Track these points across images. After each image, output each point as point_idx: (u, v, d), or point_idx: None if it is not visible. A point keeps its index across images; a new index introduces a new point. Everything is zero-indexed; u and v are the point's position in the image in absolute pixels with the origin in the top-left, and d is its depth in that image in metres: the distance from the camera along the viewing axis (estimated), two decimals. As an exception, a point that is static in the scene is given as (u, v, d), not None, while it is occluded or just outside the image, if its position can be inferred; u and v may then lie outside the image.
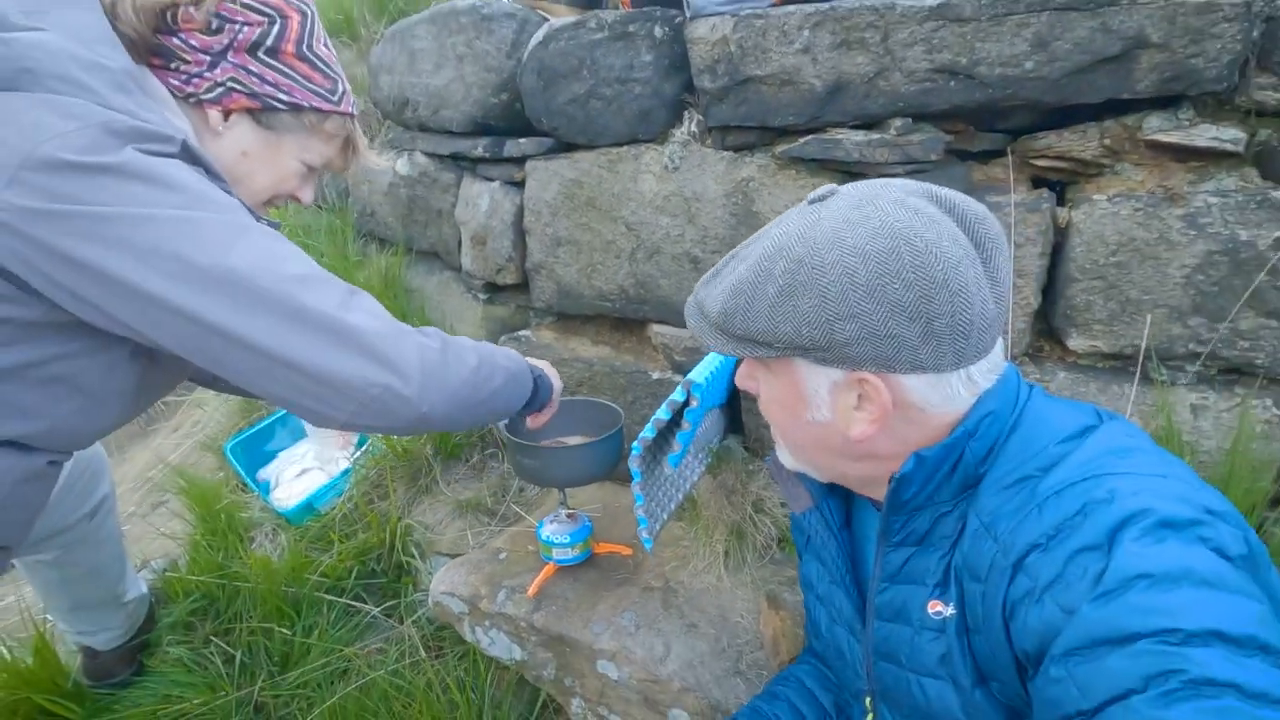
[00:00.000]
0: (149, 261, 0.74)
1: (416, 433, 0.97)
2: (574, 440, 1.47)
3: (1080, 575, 0.53)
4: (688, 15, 1.38)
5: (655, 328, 1.67)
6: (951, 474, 0.67)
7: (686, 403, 1.14)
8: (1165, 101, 1.16)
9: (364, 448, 1.99)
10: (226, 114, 0.92)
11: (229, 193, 0.88)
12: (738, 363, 0.79)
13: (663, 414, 1.15)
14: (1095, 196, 1.20)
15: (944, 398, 0.66)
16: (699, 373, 1.16)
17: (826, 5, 1.26)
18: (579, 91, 1.57)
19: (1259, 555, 0.54)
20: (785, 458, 0.81)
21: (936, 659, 0.70)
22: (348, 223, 2.49)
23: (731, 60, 1.35)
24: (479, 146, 1.88)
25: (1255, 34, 1.08)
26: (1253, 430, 1.17)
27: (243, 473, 1.97)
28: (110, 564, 1.48)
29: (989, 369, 0.68)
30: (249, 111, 0.93)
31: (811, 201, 0.69)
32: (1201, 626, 0.47)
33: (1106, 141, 1.20)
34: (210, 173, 0.85)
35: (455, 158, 2.02)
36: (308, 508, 1.86)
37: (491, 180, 1.90)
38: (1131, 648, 0.49)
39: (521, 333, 1.93)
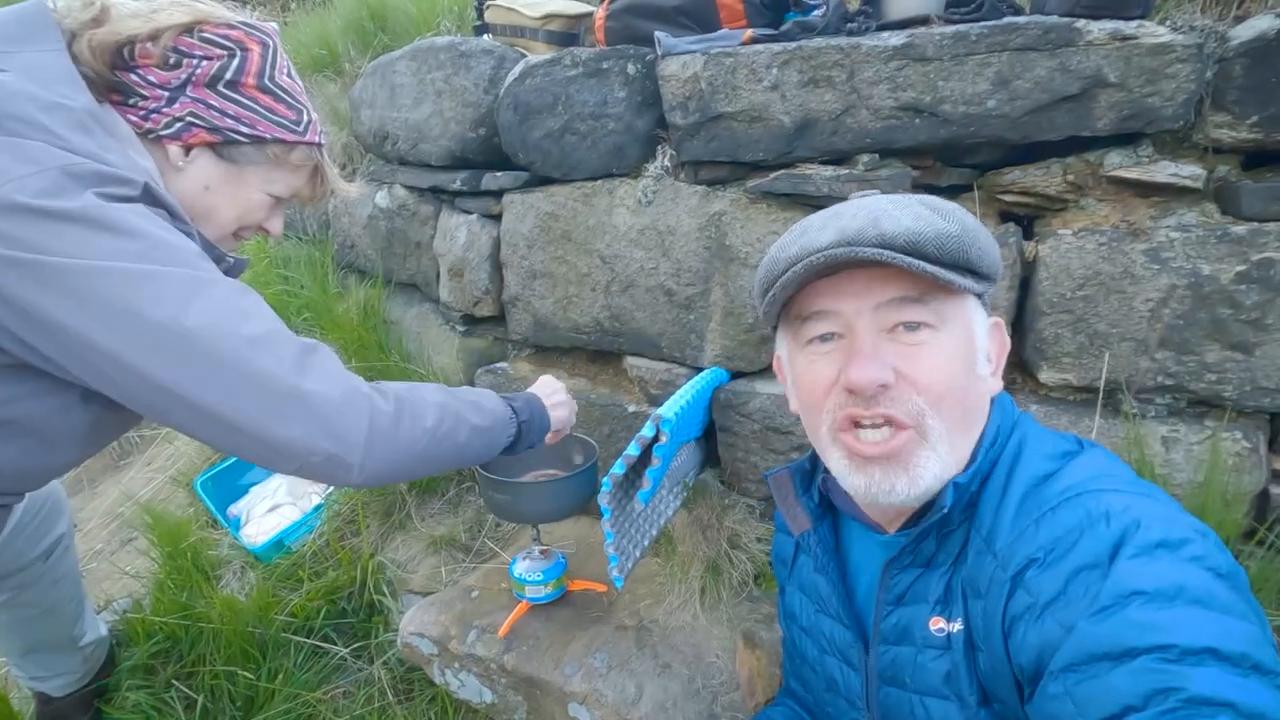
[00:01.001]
0: (101, 316, 0.72)
1: (362, 489, 0.96)
2: (548, 474, 1.45)
3: (1082, 593, 0.54)
4: (659, 53, 1.40)
5: (630, 360, 1.66)
6: (962, 496, 0.68)
7: (656, 438, 1.13)
8: (1126, 138, 1.18)
9: (337, 482, 1.95)
10: (187, 149, 0.92)
11: (192, 235, 0.88)
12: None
13: (632, 450, 1.14)
14: (1061, 231, 1.21)
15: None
16: (668, 408, 1.15)
17: (794, 44, 1.28)
18: (554, 126, 1.58)
19: (1242, 575, 0.55)
20: (928, 468, 0.66)
21: (941, 677, 0.69)
22: (327, 255, 2.48)
23: (702, 97, 1.36)
24: (457, 180, 1.89)
25: (1209, 74, 1.10)
26: (1224, 462, 1.17)
27: (213, 508, 1.92)
28: (66, 606, 1.43)
29: None
30: (210, 146, 0.93)
31: (858, 196, 0.74)
32: (1197, 644, 0.48)
33: (1070, 177, 1.21)
34: (174, 215, 0.84)
35: (434, 191, 2.02)
36: (278, 545, 1.82)
37: (469, 213, 1.91)
38: (1130, 664, 0.49)
39: (499, 365, 1.91)
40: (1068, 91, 1.13)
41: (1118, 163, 1.16)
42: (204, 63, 0.89)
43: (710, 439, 1.56)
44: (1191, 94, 1.09)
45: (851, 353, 0.66)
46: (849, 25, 1.32)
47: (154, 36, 0.87)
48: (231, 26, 0.92)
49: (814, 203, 1.35)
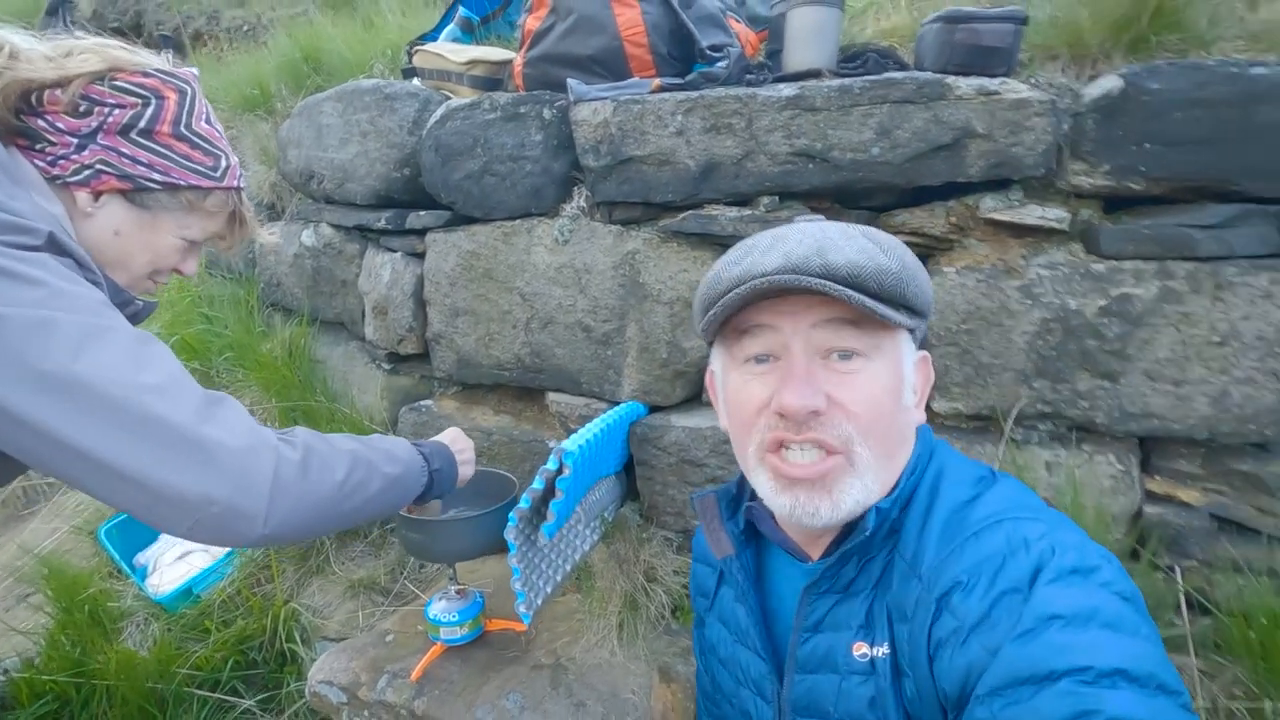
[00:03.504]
0: None
1: (267, 547, 0.91)
2: (466, 513, 1.44)
3: (1005, 616, 0.57)
4: (571, 99, 1.45)
5: (552, 396, 1.68)
6: (883, 522, 0.69)
7: (559, 471, 1.14)
8: (1000, 184, 1.27)
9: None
10: (96, 195, 0.90)
11: (99, 283, 0.86)
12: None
13: (536, 484, 1.15)
14: (946, 269, 1.29)
15: None
16: (572, 441, 1.16)
17: (696, 93, 1.35)
18: (474, 168, 1.61)
19: (1140, 597, 0.59)
20: (851, 492, 0.68)
21: (866, 703, 0.69)
22: (253, 294, 2.44)
23: (613, 141, 1.42)
24: (382, 218, 1.90)
25: (1065, 127, 1.21)
26: (1101, 485, 1.25)
27: (116, 557, 1.83)
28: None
29: None
30: (121, 192, 0.92)
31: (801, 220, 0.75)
32: (1110, 665, 0.51)
33: (952, 219, 1.30)
34: (80, 264, 0.82)
35: (360, 229, 2.03)
36: (186, 593, 1.74)
37: (394, 251, 1.91)
38: (1052, 688, 0.52)
39: (423, 403, 1.90)
40: (942, 141, 1.22)
41: (991, 206, 1.25)
42: (116, 111, 0.88)
43: (630, 474, 1.58)
44: (1050, 144, 1.19)
45: (785, 376, 0.67)
46: (748, 77, 1.40)
47: (63, 84, 0.86)
48: (146, 74, 0.91)
49: (721, 241, 1.40)
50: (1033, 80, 1.25)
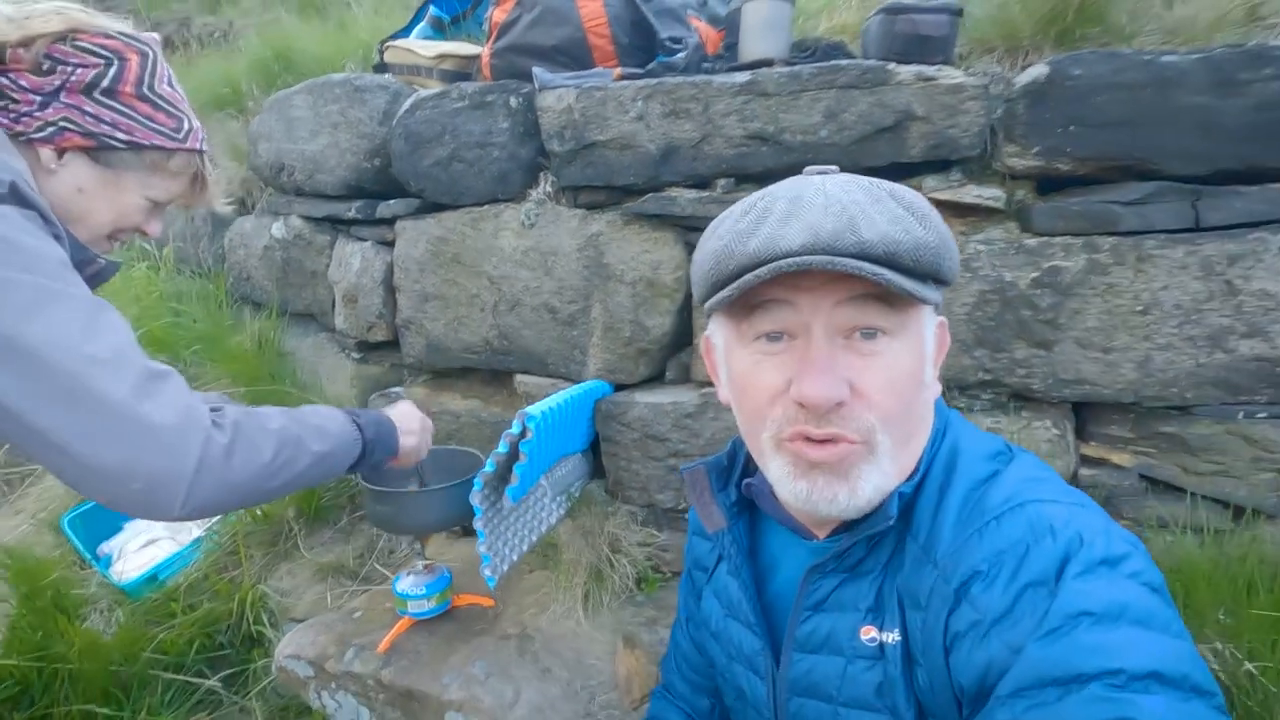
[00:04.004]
0: None
1: (190, 520, 0.94)
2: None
3: (1029, 612, 0.53)
4: (536, 87, 1.50)
5: (520, 378, 1.72)
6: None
7: (523, 434, 1.18)
8: (941, 165, 1.35)
9: (220, 515, 1.89)
10: (60, 152, 0.93)
11: (61, 238, 0.88)
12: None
13: (501, 448, 1.19)
14: (892, 246, 1.36)
15: None
16: (536, 406, 1.20)
17: (656, 80, 1.42)
18: (442, 155, 1.66)
19: (1165, 585, 0.56)
20: (869, 480, 0.63)
21: (873, 689, 0.66)
22: (221, 288, 2.44)
23: (576, 127, 1.48)
24: (352, 208, 1.93)
25: (999, 112, 1.29)
26: (1039, 450, 1.32)
27: (79, 546, 1.82)
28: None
29: None
30: (85, 150, 0.94)
31: (813, 171, 0.66)
32: (1143, 668, 0.49)
33: (898, 199, 1.37)
34: (44, 217, 0.84)
35: (330, 220, 2.05)
36: (151, 580, 1.74)
37: (364, 240, 1.94)
38: (1080, 692, 0.49)
39: (393, 389, 1.93)
40: (885, 123, 1.29)
41: (933, 186, 1.33)
42: (79, 70, 0.91)
43: (597, 453, 1.62)
44: (983, 126, 1.27)
45: (805, 362, 0.60)
46: (705, 65, 1.47)
47: (26, 43, 0.88)
48: (109, 36, 0.94)
49: (681, 222, 1.46)
50: (969, 69, 1.34)
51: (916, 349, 0.63)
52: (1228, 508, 1.28)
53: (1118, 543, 0.55)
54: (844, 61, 1.32)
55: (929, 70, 1.27)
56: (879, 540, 0.66)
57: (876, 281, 0.56)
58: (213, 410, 0.90)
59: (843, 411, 0.60)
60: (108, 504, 0.81)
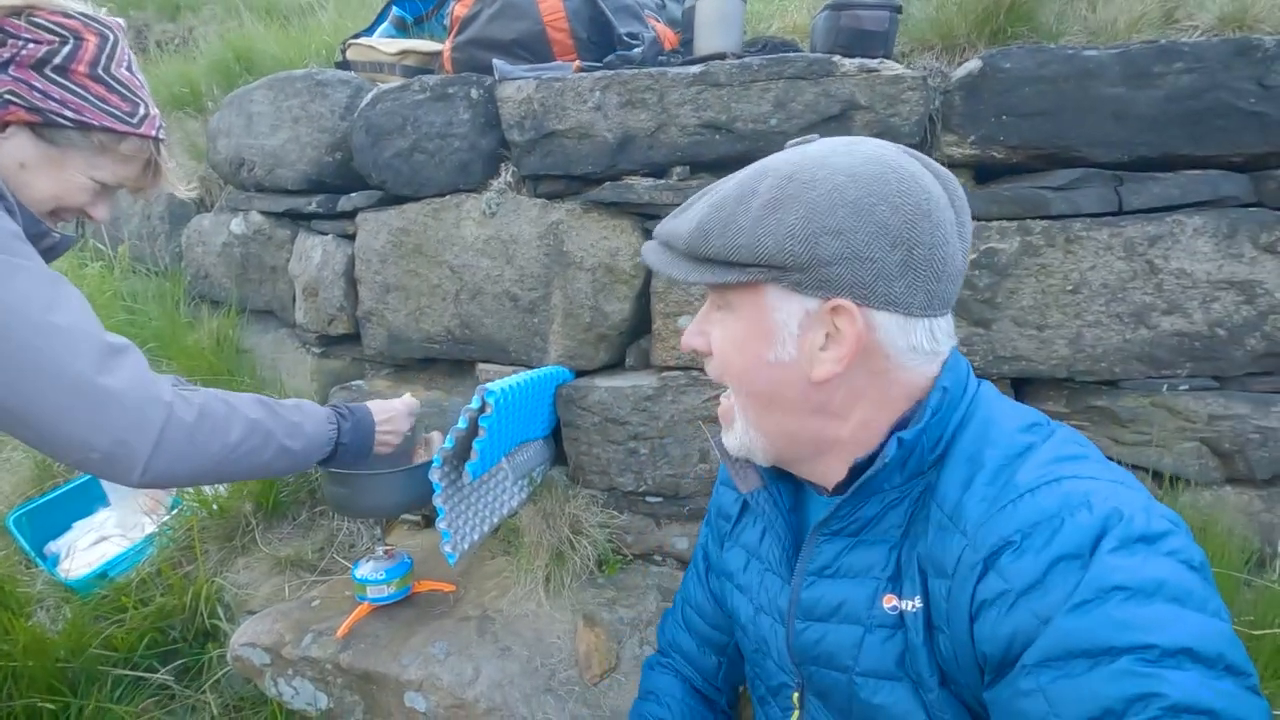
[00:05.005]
0: None
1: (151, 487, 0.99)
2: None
3: (1060, 583, 0.53)
4: (496, 78, 1.54)
5: (482, 367, 1.73)
6: (907, 458, 0.64)
7: (482, 409, 1.20)
8: (885, 155, 1.42)
9: (176, 509, 1.85)
10: (3, 125, 0.93)
11: (13, 211, 0.88)
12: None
13: (461, 424, 1.20)
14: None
15: (909, 347, 0.64)
16: (496, 384, 1.22)
17: (612, 72, 1.46)
18: (404, 146, 1.68)
19: (1208, 565, 0.56)
20: (732, 434, 0.74)
21: (894, 658, 0.65)
22: (179, 287, 2.41)
23: (536, 117, 1.51)
24: (313, 202, 1.93)
25: (937, 103, 1.36)
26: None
27: (24, 545, 1.77)
28: None
29: (948, 331, 0.67)
30: (29, 125, 0.94)
31: (795, 144, 0.69)
32: (1175, 644, 0.48)
33: (845, 187, 1.43)
34: None
35: (290, 214, 2.05)
36: (101, 577, 1.69)
37: (325, 234, 1.95)
38: (1110, 666, 0.49)
39: (355, 383, 1.92)
40: (831, 112, 1.35)
41: (877, 173, 1.39)
42: (31, 45, 0.91)
43: (559, 440, 1.64)
44: (922, 115, 1.34)
45: None
46: (661, 59, 1.52)
47: None
48: (68, 16, 0.94)
49: (639, 210, 1.50)
50: (909, 65, 1.41)
51: (750, 329, 0.67)
52: (1153, 475, 1.35)
53: (1157, 520, 0.55)
54: (792, 54, 1.38)
55: (871, 63, 1.34)
56: (892, 504, 0.66)
57: (652, 265, 0.71)
58: (183, 390, 0.91)
59: (707, 361, 0.74)
60: (71, 467, 0.83)
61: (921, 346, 0.64)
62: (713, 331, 0.71)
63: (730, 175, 0.68)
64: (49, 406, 0.78)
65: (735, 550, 0.88)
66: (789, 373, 0.66)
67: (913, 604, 0.64)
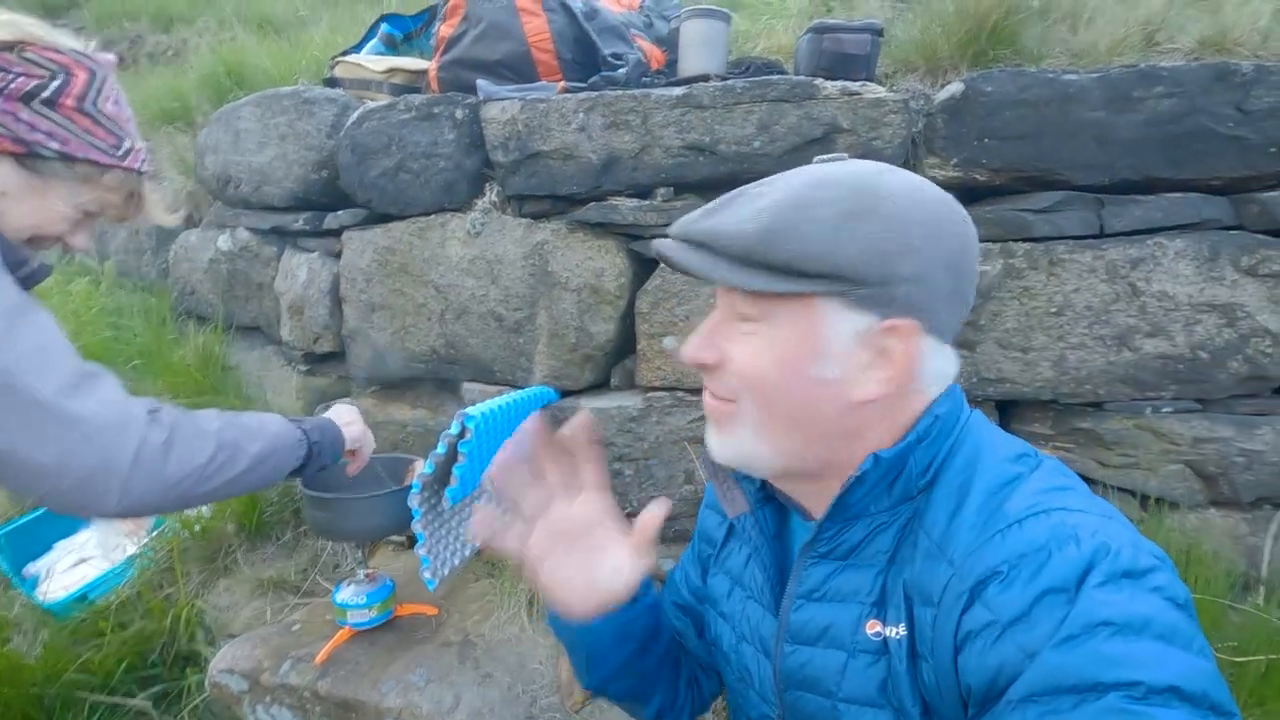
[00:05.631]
0: None
1: (127, 516, 0.97)
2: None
3: (1046, 617, 0.52)
4: (480, 99, 1.54)
5: (467, 386, 1.72)
6: (894, 482, 0.64)
7: (461, 435, 1.19)
8: (868, 177, 1.42)
9: (158, 530, 1.83)
10: None
11: None
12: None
13: (439, 449, 1.19)
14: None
15: (934, 373, 0.64)
16: (475, 408, 1.21)
17: (596, 93, 1.46)
18: (389, 165, 1.67)
19: (1192, 602, 0.56)
20: (730, 441, 0.69)
21: (876, 685, 0.65)
22: (164, 303, 2.40)
23: (520, 137, 1.51)
24: (300, 220, 1.93)
25: (919, 125, 1.37)
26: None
27: (5, 566, 1.75)
28: None
29: (955, 359, 0.67)
30: (13, 155, 0.94)
31: (823, 159, 0.67)
32: (1162, 682, 0.48)
33: (829, 208, 1.43)
34: None
35: (277, 231, 2.04)
36: (80, 599, 1.67)
37: (311, 252, 1.94)
38: (1097, 703, 0.48)
39: (340, 401, 1.91)
40: (814, 135, 1.35)
41: (861, 195, 1.39)
42: (19, 79, 0.91)
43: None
44: (905, 137, 1.34)
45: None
46: (645, 80, 1.53)
47: None
48: (59, 51, 0.94)
49: (623, 230, 1.50)
50: (893, 87, 1.42)
51: (794, 343, 0.63)
52: (1139, 498, 1.35)
53: (1144, 556, 0.54)
54: (775, 77, 1.38)
55: (853, 86, 1.34)
56: (877, 529, 0.66)
57: (686, 266, 0.63)
58: (150, 411, 0.90)
59: (714, 374, 0.67)
60: (40, 502, 0.81)
61: (943, 372, 0.65)
62: (731, 344, 0.66)
63: (765, 181, 0.64)
64: (16, 435, 0.77)
65: (719, 577, 0.86)
66: (829, 390, 0.63)
67: (896, 630, 0.63)
